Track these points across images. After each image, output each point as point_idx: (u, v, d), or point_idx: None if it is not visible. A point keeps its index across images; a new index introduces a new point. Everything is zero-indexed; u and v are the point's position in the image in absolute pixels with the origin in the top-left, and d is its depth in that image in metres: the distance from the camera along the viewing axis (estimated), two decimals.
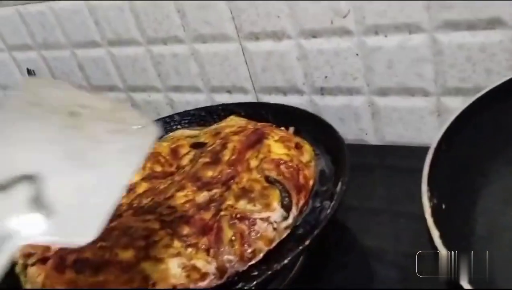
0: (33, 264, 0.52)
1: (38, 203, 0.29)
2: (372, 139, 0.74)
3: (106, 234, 0.52)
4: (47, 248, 0.53)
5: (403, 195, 0.62)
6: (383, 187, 0.69)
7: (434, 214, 0.35)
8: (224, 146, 0.60)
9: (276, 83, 0.76)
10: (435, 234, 0.33)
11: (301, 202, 0.54)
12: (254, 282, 0.45)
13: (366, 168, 0.69)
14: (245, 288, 0.45)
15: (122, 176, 0.33)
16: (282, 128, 0.65)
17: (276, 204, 0.52)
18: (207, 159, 0.59)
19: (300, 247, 0.47)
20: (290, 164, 0.56)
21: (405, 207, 0.61)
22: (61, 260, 0.51)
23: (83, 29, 0.88)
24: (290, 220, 0.52)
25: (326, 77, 0.71)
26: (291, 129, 0.65)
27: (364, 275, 0.55)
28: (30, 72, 0.99)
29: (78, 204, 0.30)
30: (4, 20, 0.97)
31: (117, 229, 0.52)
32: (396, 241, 0.59)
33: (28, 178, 0.30)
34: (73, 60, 0.94)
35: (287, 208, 0.52)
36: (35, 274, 0.51)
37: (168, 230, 0.50)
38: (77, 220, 0.29)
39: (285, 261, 0.46)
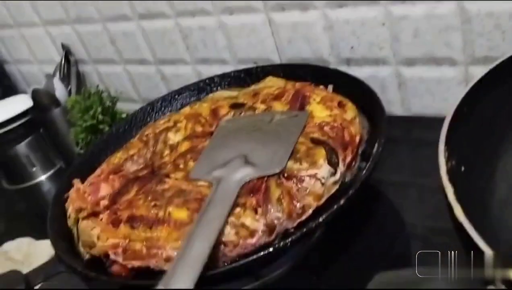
0: (84, 218, 0.55)
1: (247, 163, 0.54)
2: (399, 110, 0.73)
3: (159, 194, 0.54)
4: (96, 204, 0.56)
5: (429, 167, 0.61)
6: (410, 159, 0.68)
7: (450, 173, 0.35)
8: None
9: (302, 54, 0.76)
10: (450, 190, 0.33)
11: (348, 158, 0.54)
12: (290, 239, 0.46)
13: (392, 139, 0.68)
14: (281, 243, 0.46)
15: (291, 137, 0.56)
16: (321, 86, 0.65)
17: (322, 161, 0.52)
18: None
19: (335, 206, 0.47)
20: (334, 124, 0.57)
21: (431, 179, 0.60)
22: (116, 215, 0.53)
23: (115, 4, 0.89)
24: (337, 176, 0.52)
25: (352, 47, 0.71)
26: (330, 87, 0.65)
27: (386, 247, 0.55)
28: (64, 47, 1.02)
29: (269, 158, 0.54)
30: None
31: (169, 191, 0.54)
32: (421, 215, 0.58)
33: (240, 156, 0.55)
34: (105, 35, 0.96)
35: (333, 164, 0.53)
36: (89, 228, 0.54)
37: None
38: (267, 163, 0.53)
39: (320, 220, 0.46)
